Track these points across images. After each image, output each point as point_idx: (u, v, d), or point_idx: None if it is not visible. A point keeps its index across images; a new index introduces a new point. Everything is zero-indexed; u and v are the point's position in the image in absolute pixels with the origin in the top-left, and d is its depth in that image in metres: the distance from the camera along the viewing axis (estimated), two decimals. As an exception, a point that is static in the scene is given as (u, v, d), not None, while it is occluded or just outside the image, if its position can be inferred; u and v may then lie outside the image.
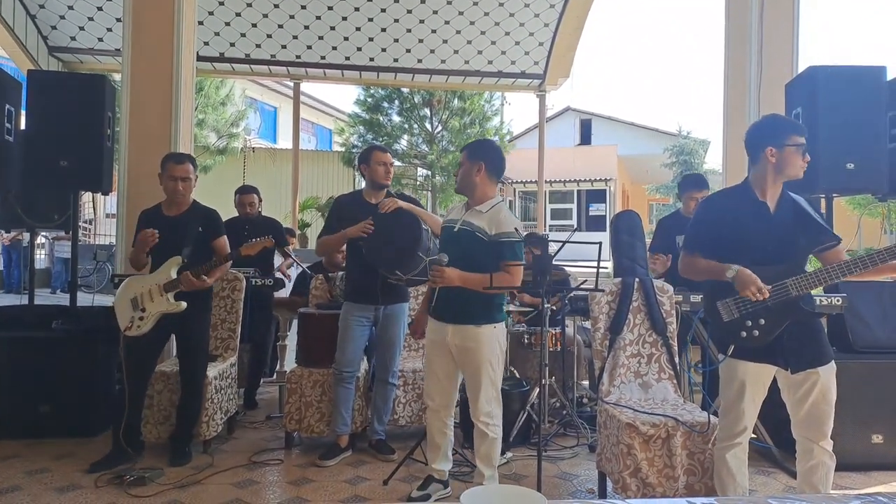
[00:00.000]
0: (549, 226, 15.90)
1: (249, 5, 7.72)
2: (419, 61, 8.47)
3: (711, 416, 2.53)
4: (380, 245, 3.03)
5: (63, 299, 7.88)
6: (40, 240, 11.14)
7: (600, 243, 2.52)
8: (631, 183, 24.06)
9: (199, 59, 6.25)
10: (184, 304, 3.09)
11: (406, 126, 15.61)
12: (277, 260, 4.57)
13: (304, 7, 7.79)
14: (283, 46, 8.32)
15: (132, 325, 3.08)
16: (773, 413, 2.29)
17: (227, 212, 4.64)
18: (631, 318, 2.95)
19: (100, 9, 7.27)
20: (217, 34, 8.01)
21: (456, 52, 8.34)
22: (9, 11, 6.81)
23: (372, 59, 8.43)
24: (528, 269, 2.70)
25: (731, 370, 2.23)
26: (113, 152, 3.94)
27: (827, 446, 2.15)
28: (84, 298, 3.32)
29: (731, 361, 2.22)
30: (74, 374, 3.52)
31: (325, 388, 3.36)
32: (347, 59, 8.42)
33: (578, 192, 20.55)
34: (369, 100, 15.28)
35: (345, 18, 7.90)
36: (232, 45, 8.20)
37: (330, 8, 7.78)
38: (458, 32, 8.09)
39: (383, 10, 7.80)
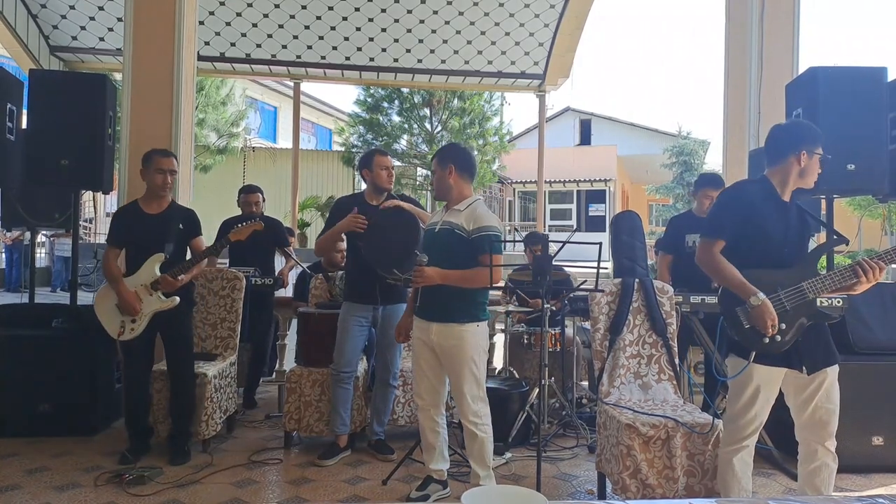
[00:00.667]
0: (549, 226, 15.90)
1: (250, 5, 7.73)
2: (419, 61, 8.48)
3: (708, 416, 2.53)
4: (378, 244, 3.04)
5: (63, 298, 7.88)
6: (41, 238, 11.14)
7: (600, 244, 2.52)
8: (630, 183, 24.06)
9: (200, 58, 6.26)
10: (177, 299, 3.09)
11: (406, 126, 15.61)
12: (279, 262, 4.57)
13: (304, 7, 7.80)
14: (284, 46, 8.32)
15: (124, 330, 3.07)
16: (774, 415, 2.28)
17: (227, 211, 4.64)
18: (631, 319, 2.95)
19: (101, 8, 7.27)
20: (218, 34, 8.02)
21: (456, 52, 8.35)
22: (10, 11, 6.82)
23: (372, 59, 8.44)
24: (528, 269, 2.70)
25: (745, 375, 2.19)
26: (114, 151, 3.94)
27: (831, 447, 2.15)
28: (84, 297, 3.32)
29: (749, 366, 2.18)
30: (74, 372, 3.52)
31: (325, 388, 3.36)
32: (347, 58, 8.43)
33: (578, 192, 20.55)
34: (369, 100, 15.29)
35: (345, 18, 7.90)
36: (232, 44, 8.20)
37: (330, 8, 7.79)
38: (458, 32, 8.10)
39: (383, 11, 7.80)
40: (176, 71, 4.29)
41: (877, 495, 1.19)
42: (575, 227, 19.02)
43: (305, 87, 11.11)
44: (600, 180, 20.03)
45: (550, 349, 3.79)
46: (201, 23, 7.27)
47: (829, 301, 3.13)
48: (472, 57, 8.41)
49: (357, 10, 7.78)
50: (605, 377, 2.89)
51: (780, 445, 3.15)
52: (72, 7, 7.18)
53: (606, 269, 4.01)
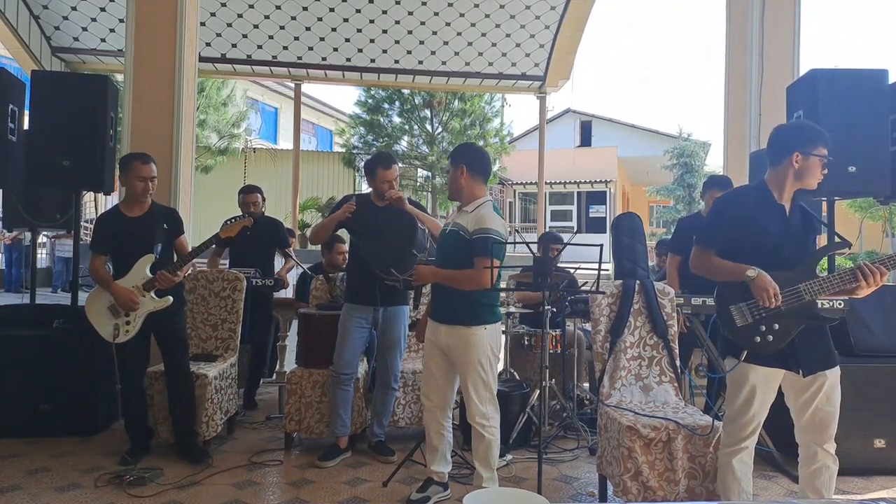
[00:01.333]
0: (549, 227, 15.89)
1: (251, 7, 7.74)
2: (420, 63, 8.48)
3: (709, 418, 2.53)
4: (376, 244, 3.04)
5: (64, 299, 7.89)
6: (41, 239, 11.14)
7: (601, 245, 2.52)
8: (631, 185, 24.08)
9: (201, 59, 6.25)
10: (170, 299, 3.09)
11: (406, 127, 15.63)
12: (278, 262, 4.57)
13: (305, 9, 7.80)
14: (285, 48, 8.33)
15: (118, 333, 3.06)
16: (775, 417, 2.28)
17: (229, 211, 4.63)
18: (632, 321, 2.95)
19: (103, 10, 7.28)
20: (219, 35, 8.03)
21: (457, 53, 8.35)
22: (13, 12, 6.83)
23: (373, 61, 8.45)
24: (530, 270, 2.70)
25: (741, 375, 2.19)
26: (115, 152, 3.94)
27: (830, 449, 2.14)
28: (85, 298, 3.31)
29: (741, 366, 2.19)
30: (75, 373, 3.52)
31: (325, 389, 3.36)
32: (348, 60, 8.44)
33: (578, 193, 20.55)
34: (370, 101, 15.31)
35: (346, 20, 7.91)
36: (234, 46, 8.21)
37: (331, 10, 7.80)
38: (459, 34, 8.11)
39: (384, 12, 7.81)
40: (177, 72, 4.29)
41: (879, 498, 1.19)
42: (575, 228, 19.02)
43: (306, 88, 11.14)
44: (601, 182, 20.04)
45: (551, 351, 3.78)
46: (202, 24, 7.28)
47: (831, 303, 3.13)
48: (472, 58, 8.42)
49: (358, 11, 7.78)
50: (606, 379, 2.88)
51: (781, 448, 3.15)
52: (73, 8, 7.19)
53: (607, 270, 4.00)
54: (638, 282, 3.02)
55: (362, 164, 16.20)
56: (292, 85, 10.43)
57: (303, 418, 3.37)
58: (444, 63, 8.48)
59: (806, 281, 2.10)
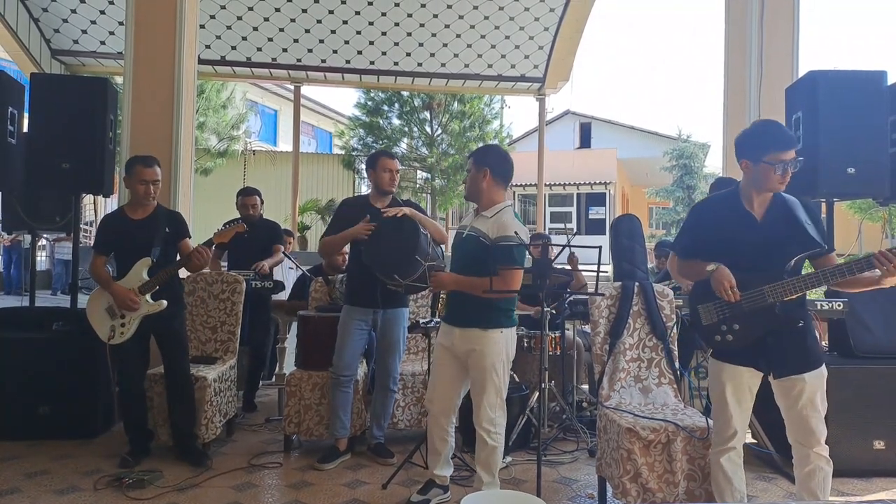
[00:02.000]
0: (549, 229, 15.89)
1: (251, 9, 7.75)
2: (419, 65, 8.49)
3: (710, 420, 2.52)
4: (379, 249, 3.03)
5: (64, 301, 7.88)
6: (41, 241, 11.15)
7: (600, 247, 2.52)
8: (630, 186, 24.08)
9: (201, 62, 6.27)
10: (164, 303, 3.09)
11: (406, 129, 15.65)
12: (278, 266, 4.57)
13: (304, 11, 7.81)
14: (284, 50, 8.34)
15: (114, 334, 3.07)
16: (774, 418, 2.28)
17: (228, 214, 4.64)
18: (631, 323, 2.95)
19: (102, 12, 7.29)
20: (218, 37, 8.04)
21: (456, 55, 8.36)
22: (12, 15, 6.84)
23: (372, 63, 8.46)
24: (529, 272, 2.70)
25: (715, 372, 2.26)
26: (114, 155, 3.95)
27: (822, 452, 2.13)
28: (85, 300, 3.31)
29: (715, 364, 2.26)
30: (74, 375, 3.52)
31: (325, 391, 3.36)
32: (348, 62, 8.45)
33: (578, 195, 20.56)
34: (369, 103, 15.32)
35: (345, 22, 7.92)
36: (233, 48, 8.22)
37: (331, 12, 7.81)
38: (458, 36, 8.12)
39: (384, 14, 7.82)
40: (176, 74, 4.30)
41: (878, 500, 1.19)
42: (575, 230, 19.02)
43: (306, 90, 11.16)
44: (600, 183, 20.04)
45: (550, 353, 3.78)
46: (202, 26, 7.29)
47: (830, 304, 3.14)
48: (471, 60, 8.43)
49: (357, 13, 7.79)
50: (606, 381, 2.88)
51: (780, 449, 3.15)
52: (73, 11, 7.20)
53: (606, 272, 4.00)
54: (637, 283, 3.02)
55: (362, 165, 16.24)
56: (292, 87, 10.44)
57: (302, 420, 3.37)
58: (443, 65, 8.49)
59: (772, 283, 2.07)
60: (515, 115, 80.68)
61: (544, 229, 10.97)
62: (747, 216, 2.18)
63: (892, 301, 3.38)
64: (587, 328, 3.82)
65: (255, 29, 7.99)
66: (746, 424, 2.28)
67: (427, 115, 15.32)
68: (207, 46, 7.94)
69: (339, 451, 3.26)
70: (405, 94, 14.76)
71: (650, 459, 2.49)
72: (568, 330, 3.96)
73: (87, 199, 13.08)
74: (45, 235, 9.31)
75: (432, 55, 8.35)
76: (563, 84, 8.96)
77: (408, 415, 3.57)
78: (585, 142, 23.31)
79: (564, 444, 3.60)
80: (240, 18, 7.83)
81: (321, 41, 8.21)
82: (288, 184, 11.25)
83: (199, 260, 3.04)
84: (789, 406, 2.16)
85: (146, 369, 3.26)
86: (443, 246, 3.03)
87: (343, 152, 16.93)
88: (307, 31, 8.05)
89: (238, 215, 4.41)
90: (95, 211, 14.46)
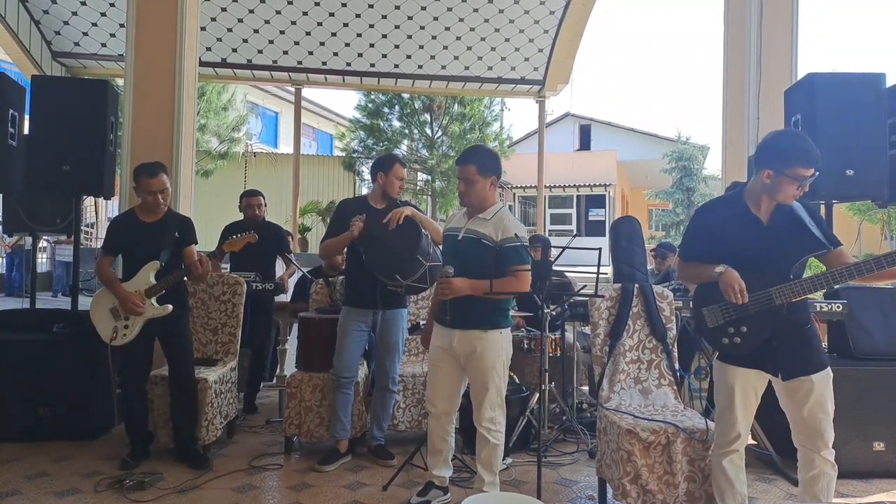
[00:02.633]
0: (549, 230, 15.91)
1: (251, 11, 7.76)
2: (420, 67, 8.51)
3: (709, 422, 2.53)
4: (379, 250, 3.03)
5: (64, 303, 7.88)
6: (42, 243, 11.15)
7: (600, 249, 2.53)
8: (630, 188, 24.10)
9: (202, 64, 6.28)
10: (170, 307, 3.09)
11: (406, 131, 15.67)
12: (279, 267, 4.57)
13: (305, 13, 7.83)
14: (285, 52, 8.35)
15: (116, 335, 3.07)
16: (774, 419, 2.29)
17: (228, 216, 4.65)
18: (631, 324, 2.95)
19: (103, 14, 7.30)
20: (219, 40, 8.05)
21: (456, 57, 8.38)
22: (13, 17, 6.85)
23: (373, 65, 8.47)
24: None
25: (721, 375, 2.25)
26: (115, 157, 3.95)
27: (828, 456, 2.12)
28: (85, 302, 3.32)
29: (721, 366, 2.25)
30: (75, 377, 3.52)
31: (325, 393, 3.36)
32: (348, 64, 8.46)
33: (578, 197, 20.57)
34: (370, 105, 15.35)
35: (346, 24, 7.93)
36: (234, 50, 8.24)
37: (331, 14, 7.82)
38: (459, 38, 8.13)
39: (384, 17, 7.84)
40: (177, 76, 4.31)
41: (878, 502, 1.19)
42: (575, 231, 19.03)
43: (306, 92, 11.16)
44: (600, 185, 20.05)
45: (550, 354, 3.78)
46: (203, 28, 7.31)
47: (829, 307, 3.15)
48: (472, 63, 8.44)
49: (358, 16, 7.81)
50: (606, 382, 2.89)
51: (780, 451, 3.15)
52: (74, 13, 7.21)
53: (606, 274, 4.02)
54: (637, 285, 3.02)
55: (363, 167, 16.25)
56: (292, 89, 10.44)
57: (303, 422, 3.38)
58: (443, 67, 8.50)
59: (779, 285, 2.08)
60: (515, 117, 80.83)
61: (544, 231, 10.98)
62: (754, 220, 2.19)
63: (891, 303, 3.39)
64: (587, 330, 3.82)
65: (256, 31, 8.00)
66: (750, 427, 2.27)
67: (427, 117, 15.35)
68: (208, 49, 7.96)
69: (340, 453, 3.26)
70: (406, 96, 14.78)
71: (650, 461, 2.50)
72: (567, 332, 3.97)
73: (88, 202, 13.09)
74: (45, 237, 9.32)
75: (432, 57, 8.36)
76: (562, 86, 8.97)
77: (408, 416, 3.57)
78: (585, 144, 23.34)
79: (564, 446, 3.61)
80: (240, 21, 7.84)
81: (322, 44, 8.22)
82: (289, 186, 11.26)
83: (198, 271, 3.06)
84: (796, 408, 2.15)
85: (149, 371, 3.27)
86: (441, 247, 3.02)
87: (344, 154, 16.96)
88: (308, 33, 8.06)
89: (241, 217, 4.42)
90: (96, 213, 14.47)
